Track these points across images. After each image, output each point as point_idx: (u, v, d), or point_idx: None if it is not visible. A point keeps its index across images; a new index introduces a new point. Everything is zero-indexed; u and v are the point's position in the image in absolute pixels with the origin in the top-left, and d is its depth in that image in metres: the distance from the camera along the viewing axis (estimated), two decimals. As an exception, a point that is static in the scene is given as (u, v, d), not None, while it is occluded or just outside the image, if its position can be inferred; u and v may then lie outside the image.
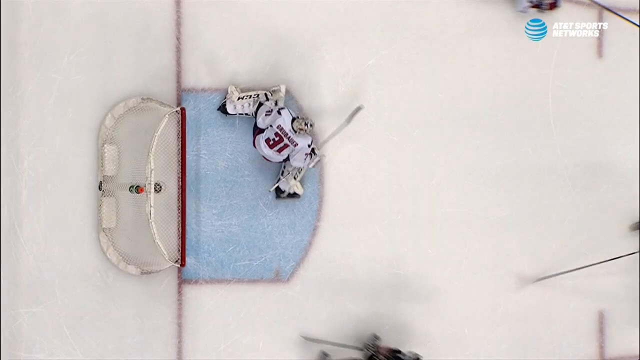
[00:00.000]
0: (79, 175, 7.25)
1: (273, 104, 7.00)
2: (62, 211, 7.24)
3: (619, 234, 7.32)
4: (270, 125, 6.84)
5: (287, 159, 6.94)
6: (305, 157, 6.85)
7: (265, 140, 6.88)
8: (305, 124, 6.75)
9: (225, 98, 7.16)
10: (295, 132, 6.78)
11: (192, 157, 7.25)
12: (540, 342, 7.31)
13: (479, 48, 7.23)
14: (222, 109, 7.19)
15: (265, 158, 7.01)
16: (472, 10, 7.27)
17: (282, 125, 6.79)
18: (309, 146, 6.84)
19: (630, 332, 7.32)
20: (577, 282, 7.32)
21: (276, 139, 6.84)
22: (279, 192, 7.22)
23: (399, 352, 6.79)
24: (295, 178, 7.13)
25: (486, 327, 7.31)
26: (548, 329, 7.31)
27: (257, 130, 6.98)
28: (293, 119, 6.77)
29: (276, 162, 7.02)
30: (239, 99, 7.08)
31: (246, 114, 7.15)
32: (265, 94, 7.10)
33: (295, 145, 6.81)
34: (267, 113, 6.88)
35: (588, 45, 7.32)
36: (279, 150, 6.88)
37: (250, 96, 7.09)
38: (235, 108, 7.15)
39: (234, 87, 7.13)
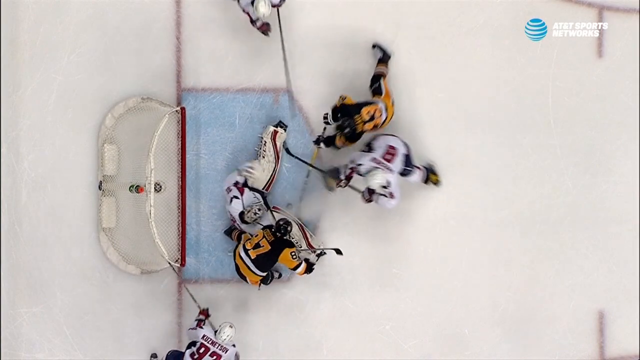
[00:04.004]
0: (79, 175, 7.25)
1: None
2: (62, 211, 7.25)
3: (619, 233, 7.32)
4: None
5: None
6: None
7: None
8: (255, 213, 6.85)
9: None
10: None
11: (192, 157, 7.25)
12: (540, 342, 7.30)
13: (479, 48, 7.23)
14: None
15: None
16: (472, 10, 7.27)
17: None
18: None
19: (630, 332, 7.32)
20: (577, 282, 7.32)
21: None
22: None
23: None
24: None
25: (486, 327, 7.31)
26: (548, 329, 7.31)
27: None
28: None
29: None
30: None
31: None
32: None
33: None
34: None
35: (588, 45, 7.32)
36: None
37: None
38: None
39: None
